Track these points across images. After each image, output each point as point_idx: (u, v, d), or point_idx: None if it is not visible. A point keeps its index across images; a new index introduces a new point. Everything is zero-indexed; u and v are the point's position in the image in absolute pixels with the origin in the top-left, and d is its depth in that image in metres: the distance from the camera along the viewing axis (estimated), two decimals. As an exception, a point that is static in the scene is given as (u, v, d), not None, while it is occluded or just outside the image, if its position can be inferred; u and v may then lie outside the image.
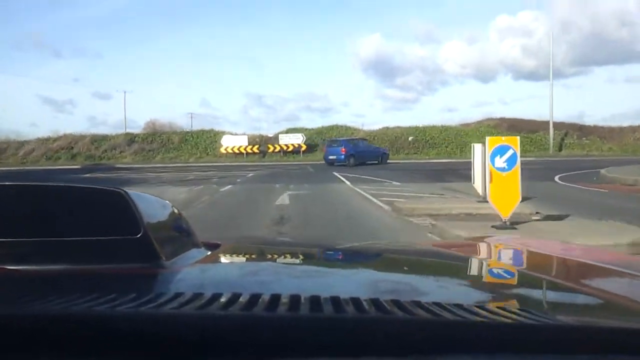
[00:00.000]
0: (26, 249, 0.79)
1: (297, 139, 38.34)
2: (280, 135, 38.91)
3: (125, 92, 55.37)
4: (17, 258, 0.79)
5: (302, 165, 30.69)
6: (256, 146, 38.29)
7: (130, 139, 39.47)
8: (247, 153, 38.12)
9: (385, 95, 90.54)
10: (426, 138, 40.08)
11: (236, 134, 39.81)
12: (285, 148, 38.14)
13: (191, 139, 39.89)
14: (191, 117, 47.46)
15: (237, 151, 38.07)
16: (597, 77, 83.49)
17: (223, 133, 40.00)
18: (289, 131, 40.73)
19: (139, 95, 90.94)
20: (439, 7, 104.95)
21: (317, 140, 39.99)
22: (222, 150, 38.17)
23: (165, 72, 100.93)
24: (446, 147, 39.75)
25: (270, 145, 38.33)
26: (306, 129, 41.35)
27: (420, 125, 41.68)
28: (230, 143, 38.16)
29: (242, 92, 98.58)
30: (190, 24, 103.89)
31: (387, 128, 41.56)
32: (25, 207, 0.83)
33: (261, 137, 40.24)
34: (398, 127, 41.58)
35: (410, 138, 40.01)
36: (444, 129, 41.19)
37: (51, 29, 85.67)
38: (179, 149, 39.28)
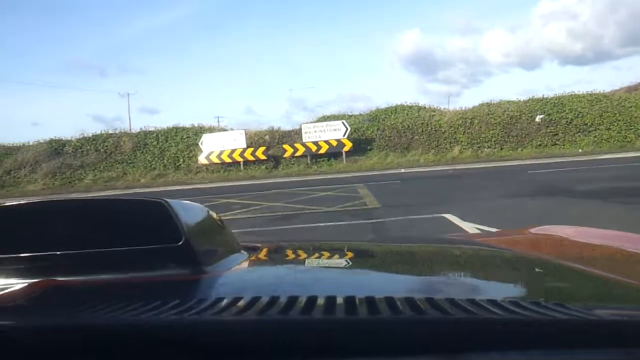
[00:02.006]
0: (73, 261, 0.81)
1: (336, 132, 21.07)
2: (303, 127, 21.57)
3: (128, 95, 43.11)
4: (65, 270, 0.81)
5: (345, 189, 13.21)
6: (261, 149, 21.28)
7: (55, 149, 23.26)
8: (247, 161, 21.21)
9: (428, 90, 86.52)
10: (566, 116, 22.06)
11: (228, 129, 22.89)
12: (313, 149, 20.97)
13: (154, 143, 23.29)
14: (218, 121, 29.99)
15: (227, 160, 21.18)
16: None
17: (208, 130, 23.27)
18: (322, 119, 23.55)
19: (183, 107, 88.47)
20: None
21: (371, 132, 22.62)
22: (202, 160, 21.43)
23: (208, 82, 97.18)
24: (607, 129, 21.63)
25: (287, 147, 21.28)
26: (350, 116, 24.09)
27: (550, 96, 23.61)
28: (214, 146, 21.27)
29: (285, 97, 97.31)
30: (229, 32, 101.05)
31: (489, 104, 23.77)
32: (72, 221, 0.86)
33: (271, 132, 23.13)
34: (509, 102, 23.72)
35: (538, 118, 22.12)
36: (595, 99, 22.83)
37: (95, 49, 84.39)
38: (130, 161, 22.77)
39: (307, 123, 21.98)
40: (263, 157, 21.02)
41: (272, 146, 22.07)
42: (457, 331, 0.54)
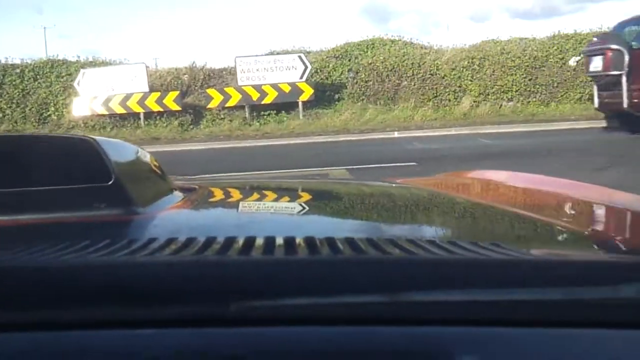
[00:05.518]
0: None
1: (289, 71, 13.82)
2: (239, 62, 14.08)
3: (45, 28, 34.75)
4: None
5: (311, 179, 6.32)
6: (172, 95, 13.78)
7: None
8: (150, 113, 13.88)
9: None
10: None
11: (121, 63, 15.11)
12: (254, 97, 13.72)
13: (15, 81, 15.35)
14: (155, 63, 21.20)
15: (120, 110, 13.68)
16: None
17: (102, 64, 15.52)
18: (270, 54, 16.10)
19: (129, 50, 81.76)
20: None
21: (339, 74, 15.54)
22: (79, 109, 13.87)
23: (155, 29, 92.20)
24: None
25: (214, 93, 13.97)
26: (310, 52, 16.75)
27: (584, 32, 17.03)
28: (99, 89, 13.66)
29: (235, 47, 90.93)
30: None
31: (496, 42, 17.06)
32: None
33: (192, 71, 15.56)
34: (525, 39, 17.10)
35: (572, 60, 15.51)
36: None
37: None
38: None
39: (245, 56, 14.59)
40: (176, 108, 13.65)
41: (192, 91, 14.74)
42: (398, 271, 0.53)
